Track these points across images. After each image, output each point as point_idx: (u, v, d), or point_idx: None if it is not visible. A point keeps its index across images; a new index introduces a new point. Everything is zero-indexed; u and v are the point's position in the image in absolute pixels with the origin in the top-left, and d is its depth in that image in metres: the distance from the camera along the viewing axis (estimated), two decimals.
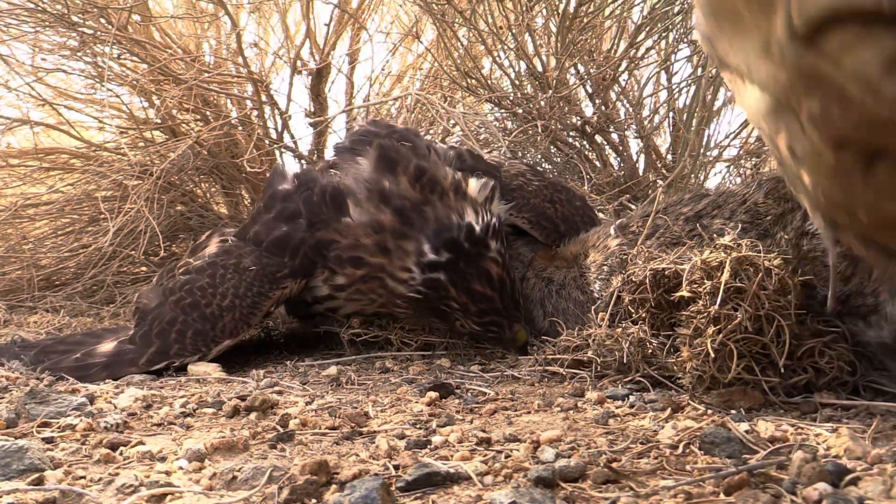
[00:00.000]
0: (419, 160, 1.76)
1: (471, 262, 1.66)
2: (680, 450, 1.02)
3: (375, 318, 1.91)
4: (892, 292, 1.20)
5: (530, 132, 2.83)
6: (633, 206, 2.51)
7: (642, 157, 2.98)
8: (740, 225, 1.37)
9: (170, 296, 1.79)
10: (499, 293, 1.67)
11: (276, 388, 1.51)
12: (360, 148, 1.84)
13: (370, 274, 1.71)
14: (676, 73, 2.90)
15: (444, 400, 1.37)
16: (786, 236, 1.34)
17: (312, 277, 1.79)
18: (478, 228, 1.68)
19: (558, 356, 1.56)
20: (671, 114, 2.90)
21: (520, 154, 2.92)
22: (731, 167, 2.93)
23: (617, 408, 1.27)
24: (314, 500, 0.88)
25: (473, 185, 1.80)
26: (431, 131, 3.11)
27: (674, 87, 2.86)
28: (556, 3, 2.70)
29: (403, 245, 1.67)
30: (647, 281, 1.40)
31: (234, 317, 1.74)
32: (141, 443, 1.10)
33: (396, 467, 0.99)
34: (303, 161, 3.06)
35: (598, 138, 2.96)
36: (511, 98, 2.87)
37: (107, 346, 1.79)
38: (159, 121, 2.98)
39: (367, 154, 1.79)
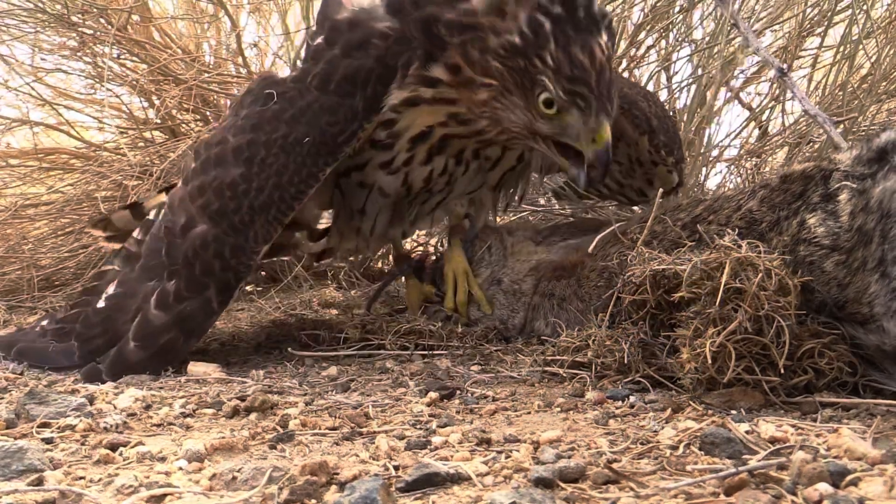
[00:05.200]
0: None
1: (579, 31, 1.49)
2: (680, 450, 1.02)
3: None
4: (887, 308, 1.21)
5: None
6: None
7: None
8: (736, 230, 1.37)
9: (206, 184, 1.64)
10: (596, 73, 1.48)
11: (276, 389, 1.51)
12: None
13: (474, 38, 1.54)
14: (677, 72, 2.90)
15: (444, 400, 1.37)
16: (783, 239, 1.35)
17: (387, 94, 1.63)
18: (596, 3, 1.52)
19: (558, 357, 1.56)
20: (671, 113, 2.90)
21: None
22: (732, 166, 2.93)
23: (617, 408, 1.27)
24: (314, 501, 0.88)
25: None
26: None
27: (674, 86, 2.86)
28: None
29: (522, 3, 1.51)
30: (647, 282, 1.40)
31: (266, 219, 1.60)
32: (141, 443, 1.10)
33: (396, 467, 0.99)
34: None
35: None
36: None
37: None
38: (159, 121, 2.98)
39: None
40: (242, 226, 1.61)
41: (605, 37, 1.52)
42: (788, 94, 2.57)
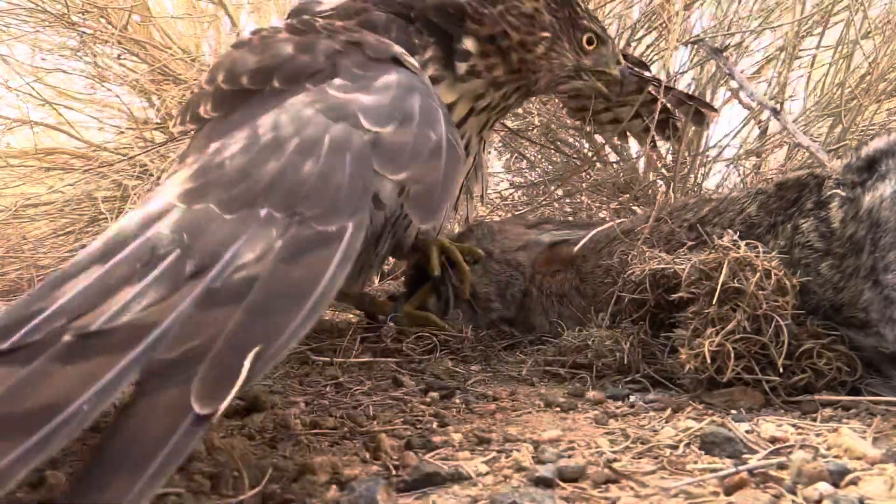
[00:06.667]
0: None
1: None
2: (680, 450, 1.02)
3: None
4: (881, 315, 1.21)
5: (530, 132, 2.83)
6: (634, 208, 2.51)
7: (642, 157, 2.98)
8: (738, 233, 1.38)
9: None
10: None
11: (276, 388, 1.51)
12: None
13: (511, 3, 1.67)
14: (678, 72, 2.89)
15: (444, 400, 1.37)
16: (779, 243, 1.36)
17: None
18: None
19: (558, 357, 1.56)
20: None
21: (517, 156, 2.92)
22: (731, 166, 2.93)
23: (617, 408, 1.27)
24: (314, 500, 0.88)
25: None
26: None
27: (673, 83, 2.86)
28: None
29: None
30: (647, 281, 1.41)
31: None
32: None
33: (396, 467, 0.99)
34: None
35: (598, 138, 2.96)
36: None
37: None
38: (159, 121, 2.98)
39: None
40: None
41: None
42: (788, 93, 2.58)
